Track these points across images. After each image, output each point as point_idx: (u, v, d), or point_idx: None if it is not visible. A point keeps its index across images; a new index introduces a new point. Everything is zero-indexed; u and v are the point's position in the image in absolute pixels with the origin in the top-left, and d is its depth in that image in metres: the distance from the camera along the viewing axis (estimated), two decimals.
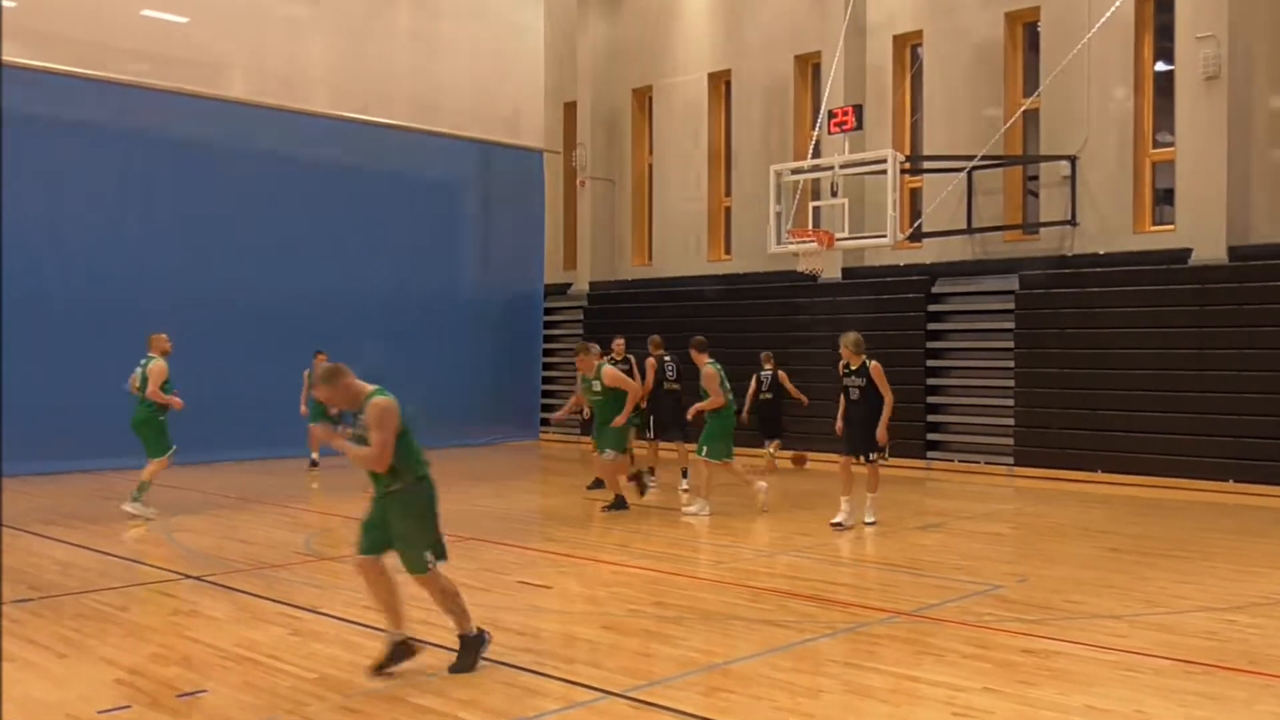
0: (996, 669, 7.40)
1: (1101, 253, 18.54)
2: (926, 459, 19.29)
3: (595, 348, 14.95)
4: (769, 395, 18.62)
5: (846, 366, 13.01)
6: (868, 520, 13.04)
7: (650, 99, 26.11)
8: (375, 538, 7.27)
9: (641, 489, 15.47)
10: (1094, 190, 18.72)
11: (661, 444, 16.97)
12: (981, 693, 6.90)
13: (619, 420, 14.21)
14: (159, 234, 19.87)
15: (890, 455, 13.34)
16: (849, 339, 13.03)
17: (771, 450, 18.84)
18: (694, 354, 14.79)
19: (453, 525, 13.39)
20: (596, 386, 14.38)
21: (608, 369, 14.55)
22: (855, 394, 12.92)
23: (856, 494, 12.92)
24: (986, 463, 18.80)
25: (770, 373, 18.66)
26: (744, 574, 10.69)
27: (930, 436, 19.58)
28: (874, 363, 12.82)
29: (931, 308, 20.16)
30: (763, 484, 14.42)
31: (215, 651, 7.79)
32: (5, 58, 15.77)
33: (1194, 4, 17.46)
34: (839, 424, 13.28)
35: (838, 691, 6.97)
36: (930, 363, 19.75)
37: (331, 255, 21.99)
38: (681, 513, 14.34)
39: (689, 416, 15.30)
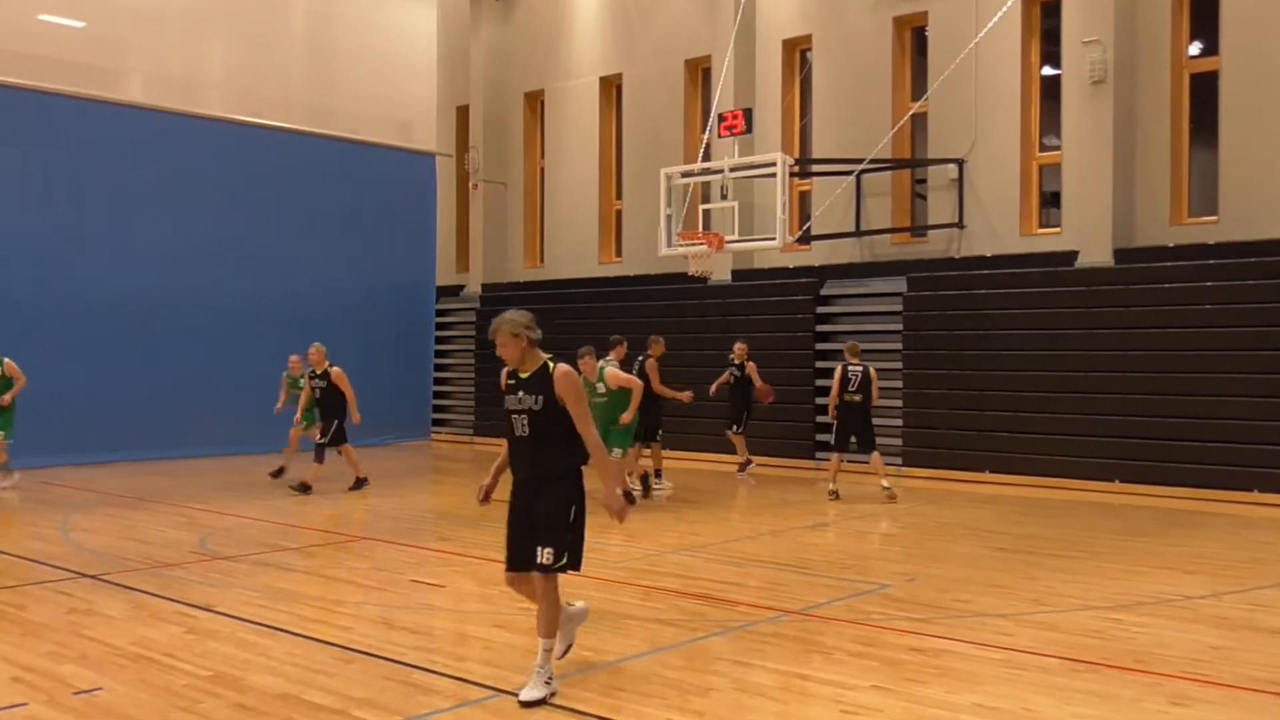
0: (884, 667, 7.25)
1: (989, 255, 18.43)
2: (816, 459, 19.00)
3: (591, 349, 14.53)
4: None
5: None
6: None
7: (542, 103, 25.82)
8: None
9: (646, 490, 15.76)
10: (981, 193, 18.61)
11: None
12: (870, 691, 6.74)
13: (626, 418, 14.24)
14: (59, 235, 19.64)
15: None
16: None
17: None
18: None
19: (346, 526, 13.16)
20: (600, 389, 14.17)
21: (611, 370, 14.47)
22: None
23: None
24: None
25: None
26: (635, 573, 10.44)
27: (820, 437, 19.17)
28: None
29: (820, 309, 19.97)
30: None
31: (111, 650, 7.65)
32: None
33: (1081, 9, 17.45)
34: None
35: (727, 689, 6.84)
36: (820, 364, 19.45)
37: (226, 258, 21.62)
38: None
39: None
